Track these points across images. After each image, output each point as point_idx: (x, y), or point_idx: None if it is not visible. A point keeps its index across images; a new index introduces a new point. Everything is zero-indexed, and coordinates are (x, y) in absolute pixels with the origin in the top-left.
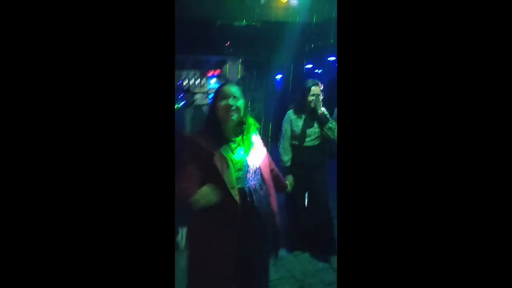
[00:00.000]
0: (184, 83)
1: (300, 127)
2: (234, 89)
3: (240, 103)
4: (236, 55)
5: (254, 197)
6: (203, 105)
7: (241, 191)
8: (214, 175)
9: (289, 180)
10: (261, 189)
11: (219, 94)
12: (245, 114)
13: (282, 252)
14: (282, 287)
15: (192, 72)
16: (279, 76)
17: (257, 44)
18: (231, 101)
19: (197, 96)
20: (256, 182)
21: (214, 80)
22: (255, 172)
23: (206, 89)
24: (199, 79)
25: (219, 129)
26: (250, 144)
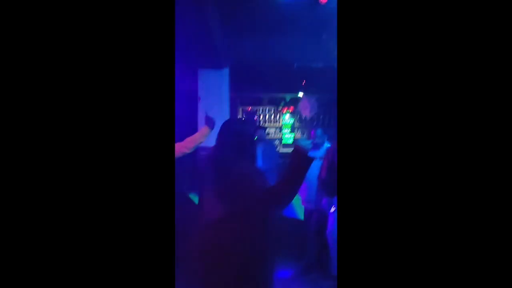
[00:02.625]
0: (260, 118)
1: None
2: None
3: None
4: (311, 92)
5: None
6: (277, 139)
7: None
8: None
9: None
10: None
11: None
12: None
13: None
14: None
15: (267, 108)
16: None
17: (332, 83)
18: None
19: (271, 131)
20: None
21: (288, 116)
22: None
23: (280, 125)
24: (273, 115)
25: None
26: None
